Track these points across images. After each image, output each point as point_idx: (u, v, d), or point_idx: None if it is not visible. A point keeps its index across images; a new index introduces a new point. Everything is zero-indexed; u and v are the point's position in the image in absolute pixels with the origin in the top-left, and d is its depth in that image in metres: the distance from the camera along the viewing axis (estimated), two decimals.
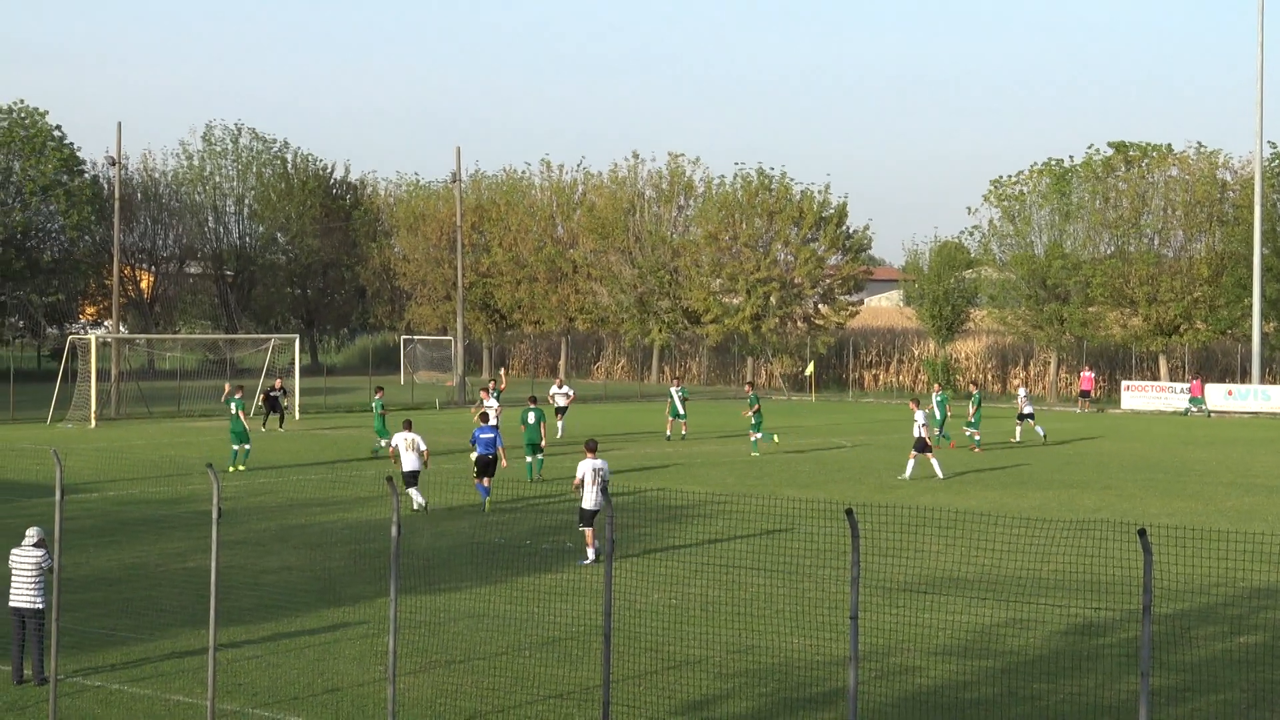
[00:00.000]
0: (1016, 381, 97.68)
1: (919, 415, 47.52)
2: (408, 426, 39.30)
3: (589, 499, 31.16)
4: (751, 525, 33.30)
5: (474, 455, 40.35)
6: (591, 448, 32.18)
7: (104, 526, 35.38)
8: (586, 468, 31.34)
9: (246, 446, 49.75)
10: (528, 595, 26.62)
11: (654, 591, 26.93)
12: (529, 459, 45.74)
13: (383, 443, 49.46)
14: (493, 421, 42.16)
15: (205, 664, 19.52)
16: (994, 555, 26.04)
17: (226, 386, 56.32)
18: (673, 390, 62.95)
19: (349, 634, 23.86)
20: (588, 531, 31.09)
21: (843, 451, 56.32)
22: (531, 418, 45.75)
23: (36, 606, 20.89)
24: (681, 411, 62.11)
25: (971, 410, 60.18)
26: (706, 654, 22.52)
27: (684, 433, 61.93)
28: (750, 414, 56.02)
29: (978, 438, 58.77)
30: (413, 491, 37.97)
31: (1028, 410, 63.38)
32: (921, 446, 47.25)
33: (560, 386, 64.72)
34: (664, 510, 37.85)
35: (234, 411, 50.59)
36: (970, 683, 21.27)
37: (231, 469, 48.12)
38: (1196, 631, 24.34)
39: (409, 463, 38.31)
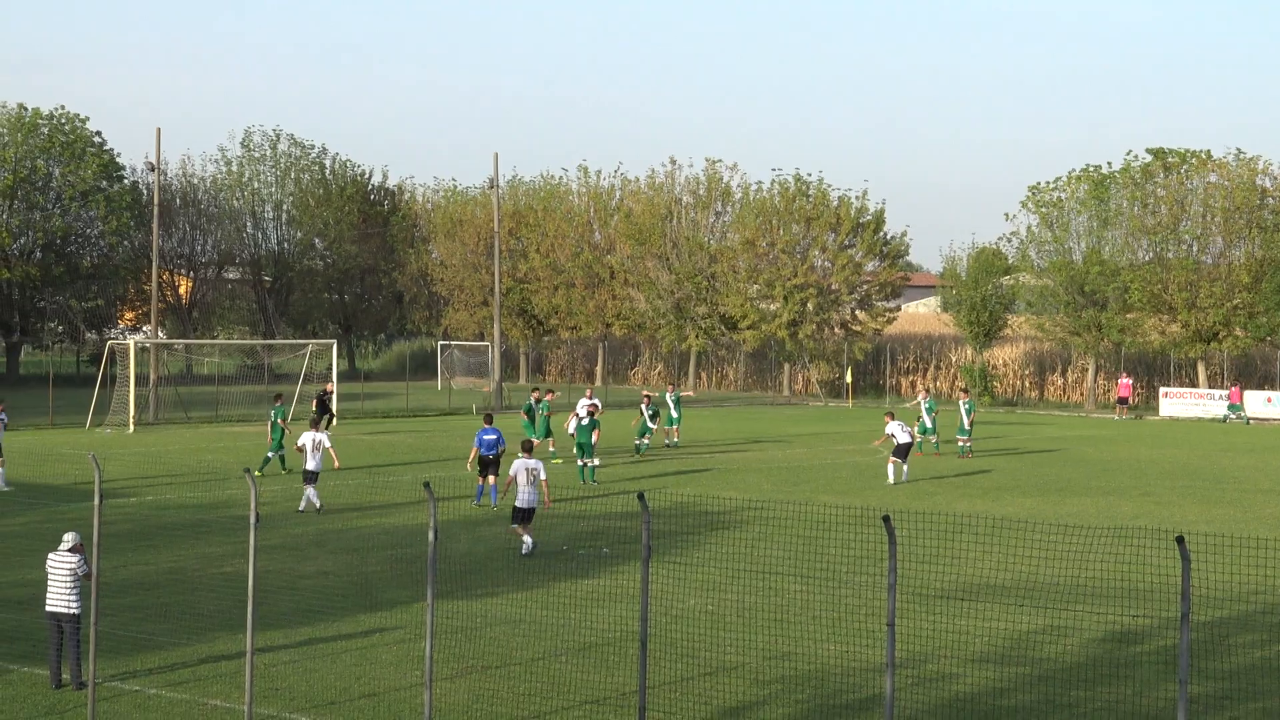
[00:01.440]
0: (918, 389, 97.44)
1: (892, 425, 48.61)
2: (314, 425, 39.53)
3: (522, 497, 32.57)
4: (788, 531, 33.27)
5: (474, 455, 41.26)
6: (527, 448, 33.81)
7: (142, 531, 35.50)
8: (520, 467, 32.83)
9: (268, 454, 49.31)
10: (564, 601, 26.65)
11: (690, 597, 26.93)
12: (581, 462, 46.85)
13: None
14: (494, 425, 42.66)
15: (243, 668, 19.60)
16: (1031, 562, 25.98)
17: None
18: (668, 396, 63.02)
19: (386, 639, 23.92)
20: (518, 528, 32.60)
21: (880, 458, 56.19)
22: (585, 420, 47.18)
23: (73, 611, 20.98)
24: (675, 415, 61.92)
25: (965, 417, 58.40)
26: (743, 660, 22.53)
27: (676, 439, 61.14)
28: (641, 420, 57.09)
29: (968, 445, 57.94)
30: (309, 490, 38.41)
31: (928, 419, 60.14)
32: (900, 452, 48.22)
33: (590, 397, 59.16)
34: (700, 516, 37.86)
35: (274, 419, 50.10)
36: (1007, 689, 21.23)
37: (262, 472, 48.07)
38: (1235, 639, 24.26)
39: (312, 462, 38.63)
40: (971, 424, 58.12)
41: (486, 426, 41.76)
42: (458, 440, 61.80)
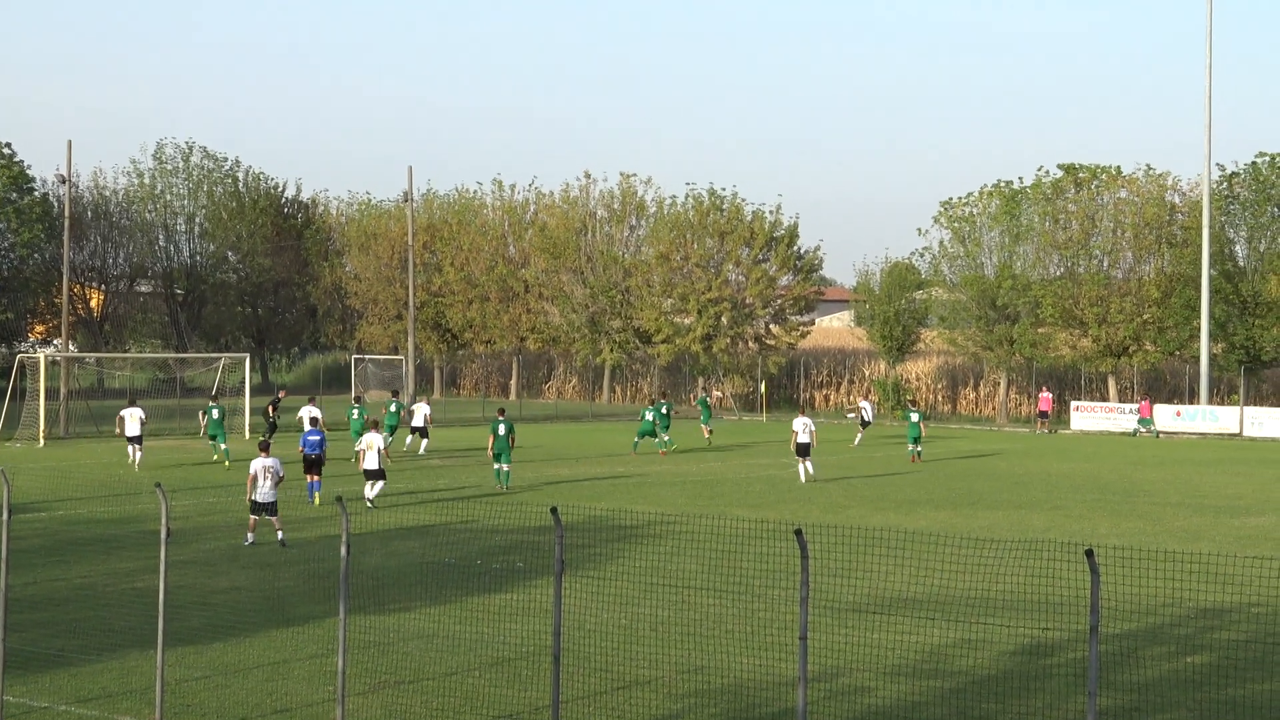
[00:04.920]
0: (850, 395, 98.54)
1: (799, 423, 53.04)
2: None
3: (261, 493, 35.90)
4: (702, 545, 33.30)
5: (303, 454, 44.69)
6: (264, 448, 37.14)
7: (52, 546, 35.20)
8: (259, 465, 36.09)
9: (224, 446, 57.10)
10: (477, 615, 26.60)
11: (604, 611, 26.90)
12: (497, 467, 49.03)
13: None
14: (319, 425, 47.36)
15: (154, 685, 19.45)
16: (944, 575, 26.14)
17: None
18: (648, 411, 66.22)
19: (298, 654, 23.80)
20: (253, 519, 36.13)
21: (793, 472, 56.35)
22: (502, 429, 49.03)
23: None
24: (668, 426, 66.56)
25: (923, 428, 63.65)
26: (657, 674, 22.53)
27: (668, 439, 65.45)
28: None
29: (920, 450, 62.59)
30: (378, 485, 38.89)
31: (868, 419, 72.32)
32: (802, 451, 52.77)
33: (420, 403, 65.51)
34: (614, 530, 37.86)
35: (216, 417, 57.57)
36: (921, 703, 21.32)
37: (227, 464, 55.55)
38: (1144, 651, 24.44)
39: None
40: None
41: (311, 429, 45.83)
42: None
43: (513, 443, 49.26)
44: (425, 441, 63.27)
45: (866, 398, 69.14)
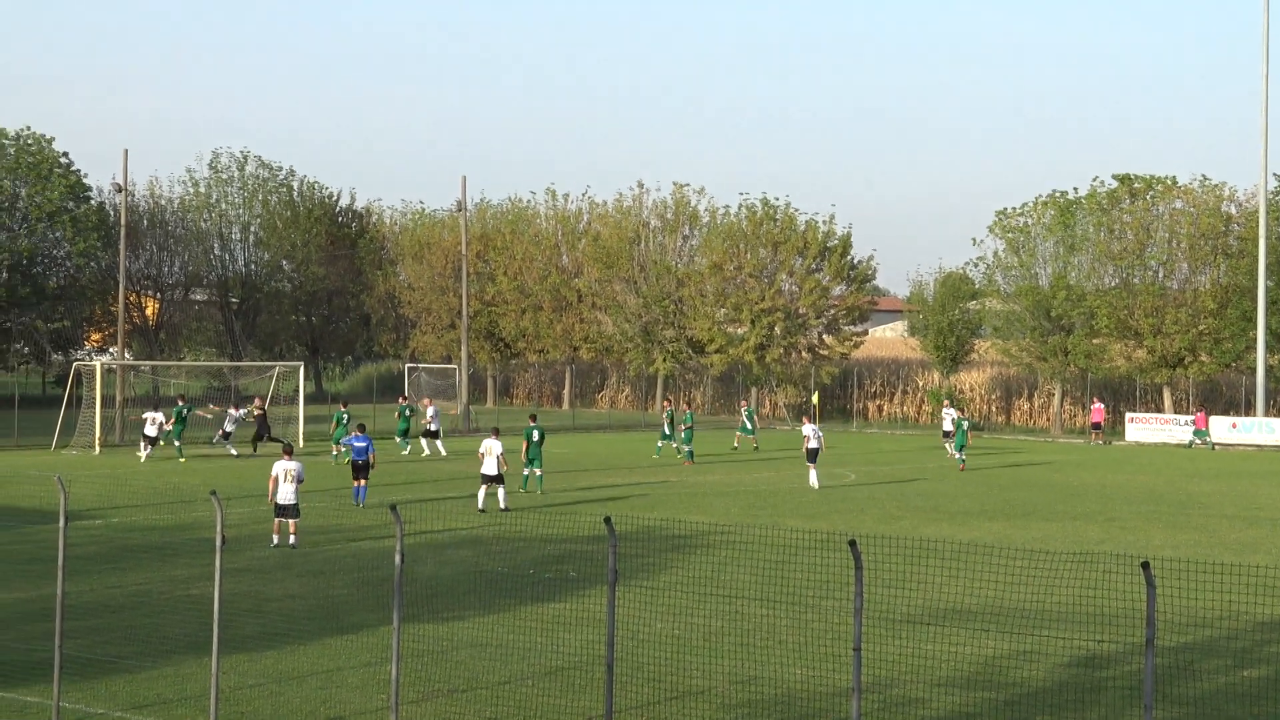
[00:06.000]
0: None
1: (807, 429, 54.55)
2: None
3: (282, 495, 36.53)
4: (755, 555, 33.27)
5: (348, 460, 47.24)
6: (288, 451, 38.51)
7: (108, 553, 35.37)
8: (279, 468, 36.97)
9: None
10: (530, 624, 26.63)
11: (657, 621, 26.90)
12: (526, 472, 50.61)
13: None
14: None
15: (208, 692, 19.53)
16: (998, 587, 26.01)
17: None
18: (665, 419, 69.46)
19: (352, 662, 23.85)
20: (276, 522, 36.84)
21: (846, 482, 56.27)
22: (536, 435, 50.50)
23: None
24: (750, 428, 71.29)
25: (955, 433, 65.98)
26: (709, 684, 22.52)
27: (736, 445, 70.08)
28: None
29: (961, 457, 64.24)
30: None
31: (949, 428, 71.62)
32: (811, 456, 53.92)
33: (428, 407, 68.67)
34: (668, 540, 37.86)
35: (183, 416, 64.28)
36: (974, 715, 21.25)
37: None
38: (1200, 665, 24.32)
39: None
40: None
41: (358, 434, 46.21)
42: (424, 464, 61.81)
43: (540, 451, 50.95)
44: (439, 443, 65.36)
45: (948, 406, 70.77)
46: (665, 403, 76.20)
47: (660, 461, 64.66)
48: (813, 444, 54.01)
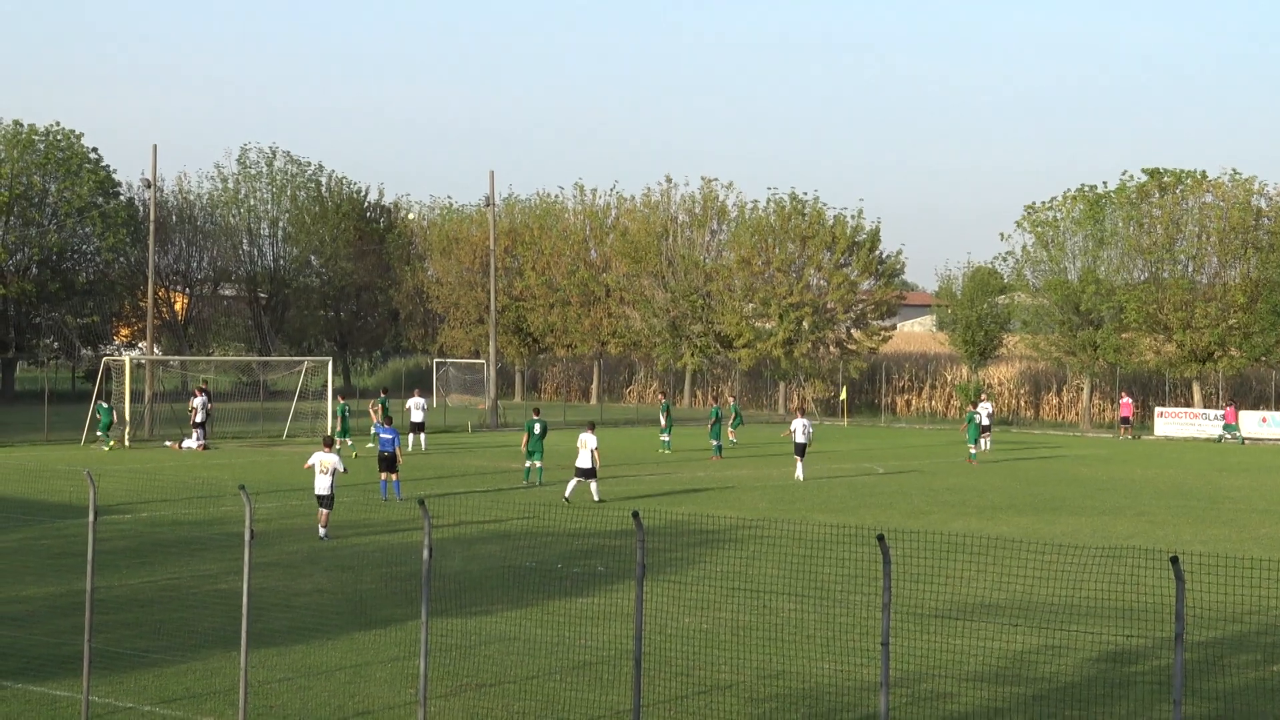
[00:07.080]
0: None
1: (796, 424, 55.46)
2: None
3: (319, 485, 37.23)
4: (783, 550, 33.27)
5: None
6: (328, 443, 38.71)
7: (137, 548, 35.47)
8: (316, 459, 37.76)
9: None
10: (559, 619, 26.63)
11: (685, 616, 26.90)
12: (529, 464, 51.60)
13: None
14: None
15: (237, 686, 19.57)
16: (1026, 581, 25.97)
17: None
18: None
19: (380, 656, 23.88)
20: (320, 512, 37.26)
21: (875, 476, 56.21)
22: (537, 429, 51.31)
23: None
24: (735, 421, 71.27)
25: (965, 428, 66.44)
26: (737, 679, 22.51)
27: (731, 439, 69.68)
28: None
29: (974, 452, 64.84)
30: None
31: (986, 423, 71.39)
32: (800, 450, 54.88)
33: (418, 396, 69.02)
34: (696, 534, 37.85)
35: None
36: (1003, 709, 21.21)
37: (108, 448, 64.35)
38: (1230, 659, 24.24)
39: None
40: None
41: (386, 425, 46.59)
42: (452, 458, 61.86)
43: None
44: (424, 438, 65.93)
45: (985, 400, 71.91)
46: (660, 395, 77.06)
47: (685, 456, 64.52)
48: (799, 438, 55.04)
